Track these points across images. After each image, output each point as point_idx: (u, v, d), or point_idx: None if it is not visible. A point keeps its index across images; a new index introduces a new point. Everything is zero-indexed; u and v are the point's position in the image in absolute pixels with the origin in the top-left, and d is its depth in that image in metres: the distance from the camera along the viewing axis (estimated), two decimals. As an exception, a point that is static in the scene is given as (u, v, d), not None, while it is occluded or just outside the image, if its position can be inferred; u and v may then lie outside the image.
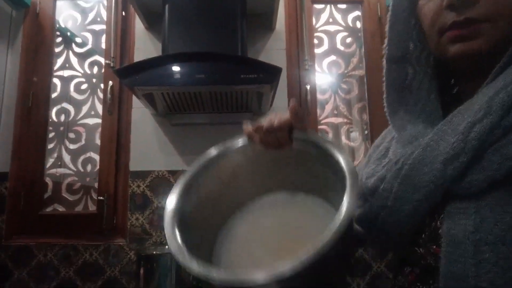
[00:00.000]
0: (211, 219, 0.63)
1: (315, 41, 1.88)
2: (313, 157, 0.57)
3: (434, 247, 0.46)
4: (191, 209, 0.59)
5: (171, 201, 0.58)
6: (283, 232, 0.60)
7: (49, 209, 1.74)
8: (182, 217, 0.56)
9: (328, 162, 0.53)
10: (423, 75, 0.55)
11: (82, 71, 1.88)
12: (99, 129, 1.78)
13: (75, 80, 1.87)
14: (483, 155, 0.40)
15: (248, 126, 0.60)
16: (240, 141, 0.63)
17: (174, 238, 0.52)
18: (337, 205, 0.58)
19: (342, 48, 1.91)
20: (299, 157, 0.59)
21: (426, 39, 0.54)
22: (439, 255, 0.44)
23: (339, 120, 1.90)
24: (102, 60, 1.83)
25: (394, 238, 0.52)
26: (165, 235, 0.53)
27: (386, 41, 0.57)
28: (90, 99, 1.85)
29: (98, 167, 1.73)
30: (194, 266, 0.47)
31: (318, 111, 1.83)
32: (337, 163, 0.51)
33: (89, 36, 1.90)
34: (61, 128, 1.86)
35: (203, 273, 0.45)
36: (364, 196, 0.57)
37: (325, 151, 0.54)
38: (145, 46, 1.78)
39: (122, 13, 1.81)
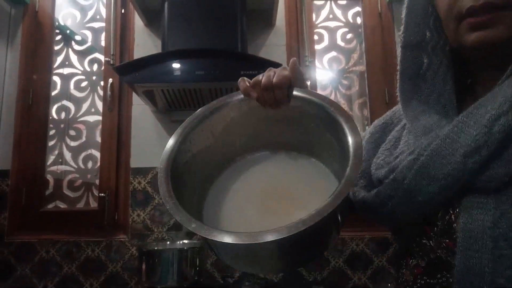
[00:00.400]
0: (203, 173, 0.62)
1: (316, 37, 1.88)
2: (311, 116, 0.56)
3: (447, 241, 0.45)
4: (183, 164, 0.58)
5: (164, 158, 0.57)
6: (274, 190, 0.59)
7: (50, 206, 1.75)
8: (175, 173, 0.55)
9: (328, 123, 0.52)
10: (438, 65, 0.54)
11: (82, 69, 1.88)
12: (100, 126, 1.78)
13: (75, 78, 1.87)
14: (506, 149, 0.39)
15: (244, 82, 0.57)
16: (235, 96, 0.60)
17: (170, 197, 0.51)
18: (330, 166, 0.57)
19: (342, 44, 1.91)
20: (296, 115, 0.57)
21: (443, 27, 0.52)
22: (452, 249, 0.43)
23: (339, 116, 1.90)
24: (102, 57, 1.83)
25: (401, 228, 0.52)
26: (159, 192, 0.52)
27: (402, 28, 0.55)
28: (90, 97, 1.86)
29: (99, 164, 1.73)
30: (197, 229, 0.46)
31: (318, 107, 1.83)
32: (338, 126, 0.50)
33: (88, 33, 1.90)
34: (62, 126, 1.86)
35: (204, 234, 0.45)
36: (369, 180, 0.56)
37: (326, 112, 0.52)
38: (144, 43, 1.78)
39: (121, 10, 1.81)
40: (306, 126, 0.58)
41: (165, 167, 0.55)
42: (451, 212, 0.45)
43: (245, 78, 0.57)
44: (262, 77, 0.55)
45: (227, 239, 0.43)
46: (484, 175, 0.40)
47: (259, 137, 0.63)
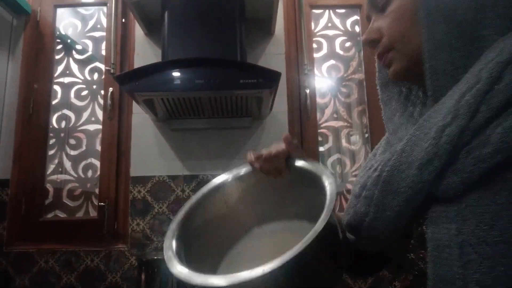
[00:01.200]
0: (218, 240, 0.66)
1: (314, 45, 1.89)
2: (310, 183, 0.59)
3: (423, 251, 0.46)
4: (194, 228, 0.63)
5: (174, 220, 0.62)
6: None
7: (50, 215, 1.75)
8: (184, 233, 0.60)
9: (319, 186, 0.55)
10: (416, 89, 0.56)
11: (82, 78, 1.89)
12: (100, 135, 1.78)
13: (76, 87, 1.88)
14: (456, 158, 0.40)
15: (250, 155, 0.66)
16: (244, 168, 0.68)
17: (169, 248, 0.55)
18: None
19: (341, 52, 1.92)
20: (296, 183, 0.63)
21: None
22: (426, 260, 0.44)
23: (339, 123, 1.91)
24: (102, 66, 1.84)
25: (382, 244, 0.53)
26: (163, 247, 0.56)
27: (376, 66, 0.60)
28: (91, 105, 1.86)
29: (98, 173, 1.73)
30: (178, 270, 0.49)
31: (318, 115, 1.83)
32: (324, 185, 0.54)
33: (89, 43, 1.91)
34: (62, 135, 1.87)
35: (187, 278, 0.47)
36: (352, 202, 0.58)
37: (315, 176, 0.57)
38: (144, 52, 1.79)
39: (122, 20, 1.82)
40: (304, 192, 0.62)
41: (174, 227, 0.61)
42: (422, 223, 0.46)
43: (251, 152, 0.66)
44: (264, 151, 0.64)
45: (204, 281, 0.45)
46: (442, 185, 0.41)
47: (267, 207, 0.68)
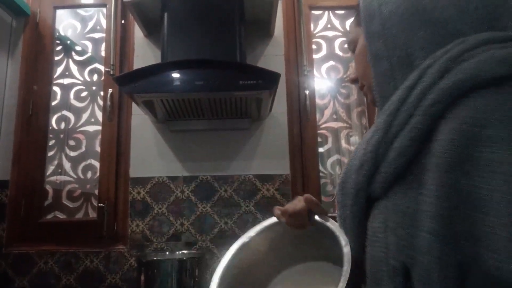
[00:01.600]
0: (255, 283, 0.77)
1: (314, 46, 1.89)
2: (328, 235, 0.66)
3: None
4: (232, 276, 0.73)
5: (215, 273, 0.72)
6: None
7: (49, 217, 1.75)
8: (225, 282, 0.71)
9: (336, 237, 0.63)
10: None
11: (82, 79, 1.90)
12: (99, 136, 1.78)
13: (75, 88, 1.88)
14: (379, 163, 0.51)
15: (277, 211, 0.75)
16: (271, 221, 0.78)
17: None
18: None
19: (340, 53, 1.93)
20: (318, 233, 0.71)
21: None
22: None
23: (339, 124, 1.91)
24: (101, 67, 1.84)
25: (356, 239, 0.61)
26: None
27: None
28: (90, 107, 1.87)
29: (98, 174, 1.73)
30: None
31: (317, 116, 1.84)
32: (339, 241, 0.62)
33: (88, 44, 1.92)
34: (61, 136, 1.87)
35: None
36: None
37: (330, 231, 0.65)
38: (144, 53, 1.80)
39: (121, 21, 1.83)
40: (329, 241, 0.69)
41: (215, 281, 0.71)
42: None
43: (278, 207, 0.75)
44: (289, 207, 0.73)
45: None
46: (372, 185, 0.52)
47: (299, 251, 0.77)
